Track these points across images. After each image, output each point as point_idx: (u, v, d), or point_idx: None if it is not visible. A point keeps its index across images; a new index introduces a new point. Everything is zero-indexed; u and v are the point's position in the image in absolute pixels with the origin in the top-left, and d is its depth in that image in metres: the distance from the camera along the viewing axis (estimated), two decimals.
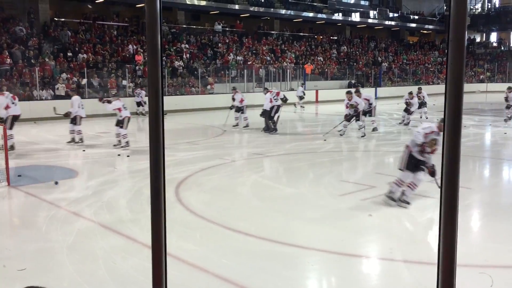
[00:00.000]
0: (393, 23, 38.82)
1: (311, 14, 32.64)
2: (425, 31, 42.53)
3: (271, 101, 13.75)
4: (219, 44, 27.42)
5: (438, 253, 1.11)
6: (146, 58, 1.34)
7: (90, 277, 4.36)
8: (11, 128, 10.65)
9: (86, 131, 14.46)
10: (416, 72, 35.76)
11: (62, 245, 5.19)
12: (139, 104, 19.56)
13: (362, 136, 13.07)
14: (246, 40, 29.35)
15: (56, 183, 7.85)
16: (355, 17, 36.03)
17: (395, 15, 39.34)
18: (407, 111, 16.01)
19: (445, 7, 41.67)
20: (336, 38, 35.49)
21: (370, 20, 37.11)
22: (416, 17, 40.65)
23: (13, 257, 4.81)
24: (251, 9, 29.39)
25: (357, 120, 13.30)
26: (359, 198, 7.09)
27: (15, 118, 11.03)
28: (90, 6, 24.45)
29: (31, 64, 19.32)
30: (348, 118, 13.42)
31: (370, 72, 32.67)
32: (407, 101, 15.97)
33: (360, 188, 7.72)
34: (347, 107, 13.35)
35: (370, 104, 14.28)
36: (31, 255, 4.90)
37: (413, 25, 40.33)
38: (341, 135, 13.36)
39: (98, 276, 4.42)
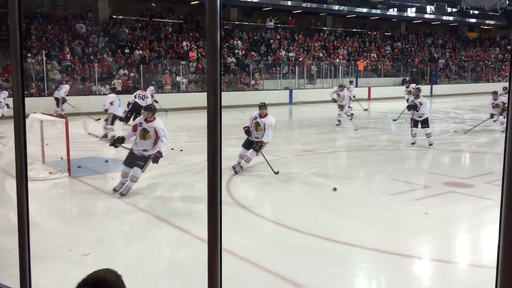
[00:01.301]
0: (451, 18, 37.43)
1: (365, 10, 32.04)
2: (485, 27, 40.73)
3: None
4: (271, 41, 27.46)
5: (498, 255, 1.09)
6: (206, 55, 1.39)
7: (144, 266, 4.52)
8: (112, 124, 11.76)
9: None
10: (475, 69, 34.36)
11: (119, 234, 5.41)
12: None
13: (430, 145, 11.03)
14: (298, 36, 29.24)
15: (107, 161, 8.66)
16: (411, 12, 35.01)
17: (454, 10, 37.90)
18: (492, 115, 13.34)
19: (507, 2, 39.74)
20: (390, 34, 34.67)
21: (426, 16, 35.96)
22: (476, 12, 38.98)
23: (77, 243, 5.07)
24: (304, 5, 29.20)
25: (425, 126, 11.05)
26: (411, 198, 6.94)
27: (115, 117, 11.91)
28: (153, 4, 25.12)
29: (90, 60, 20.12)
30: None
31: (426, 69, 31.70)
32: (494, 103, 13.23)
33: (413, 188, 7.55)
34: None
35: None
36: (91, 243, 5.14)
37: (473, 20, 38.72)
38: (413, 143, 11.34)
39: (152, 265, 4.58)
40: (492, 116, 13.16)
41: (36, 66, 18.52)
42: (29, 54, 18.59)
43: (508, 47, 38.19)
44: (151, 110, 7.13)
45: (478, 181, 7.82)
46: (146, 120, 6.95)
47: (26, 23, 20.33)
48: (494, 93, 13.24)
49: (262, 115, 8.46)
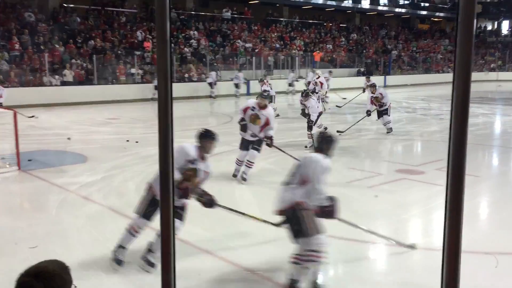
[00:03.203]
0: (403, 10, 38.42)
1: (320, 1, 32.37)
2: (436, 19, 42.05)
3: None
4: (228, 31, 27.32)
5: (444, 238, 1.13)
6: (156, 45, 1.36)
7: (99, 259, 4.43)
8: None
9: (95, 116, 14.58)
10: (426, 60, 35.44)
11: (72, 227, 5.27)
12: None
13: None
14: (255, 27, 29.21)
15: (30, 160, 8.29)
16: (365, 4, 35.68)
17: (406, 2, 38.90)
18: None
19: None
20: (345, 25, 35.22)
21: (380, 8, 36.75)
22: (427, 4, 40.17)
23: (25, 238, 4.90)
24: None
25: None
26: (366, 186, 7.11)
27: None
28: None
29: (40, 50, 19.39)
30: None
31: (380, 60, 32.43)
32: None
33: (367, 176, 7.73)
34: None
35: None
36: (42, 236, 4.99)
37: (424, 12, 39.88)
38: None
39: (106, 258, 4.49)
40: (368, 113, 11.86)
41: None
42: None
43: None
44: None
45: (428, 168, 8.10)
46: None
47: None
48: (372, 86, 12.14)
49: (261, 106, 7.20)
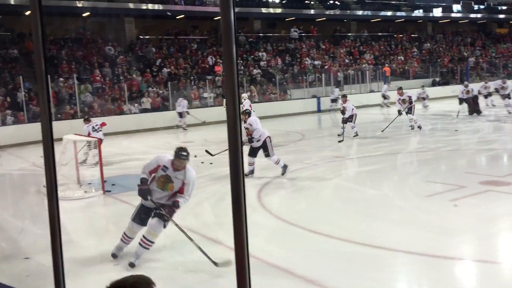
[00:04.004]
0: (479, 15, 36.67)
1: (389, 13, 31.73)
2: None
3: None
4: (296, 50, 27.50)
5: None
6: (223, 65, 1.41)
7: (181, 279, 4.55)
8: None
9: (171, 141, 15.13)
10: (507, 65, 33.44)
11: (153, 248, 5.46)
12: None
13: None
14: (323, 44, 29.17)
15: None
16: (437, 12, 34.46)
17: (481, 7, 37.12)
18: None
19: None
20: (417, 35, 34.19)
21: (453, 15, 35.32)
22: (505, 7, 38.05)
23: (110, 258, 5.14)
24: (327, 12, 29.17)
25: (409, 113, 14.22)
26: (447, 199, 6.77)
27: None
28: (202, 25, 25.56)
29: (119, 81, 20.59)
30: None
31: (456, 68, 31.06)
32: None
33: (448, 189, 7.36)
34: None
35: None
36: (126, 256, 5.21)
37: (502, 16, 37.80)
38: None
39: (188, 277, 4.61)
40: (399, 112, 14.24)
41: (68, 89, 19.06)
42: (61, 79, 19.18)
43: None
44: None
45: None
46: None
47: (57, 49, 21.01)
48: (400, 89, 14.91)
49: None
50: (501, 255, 4.67)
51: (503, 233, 5.60)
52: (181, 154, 5.02)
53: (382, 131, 13.93)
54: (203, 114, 20.06)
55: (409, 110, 14.23)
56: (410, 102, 14.20)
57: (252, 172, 8.95)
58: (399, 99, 14.45)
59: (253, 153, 8.95)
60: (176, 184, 5.04)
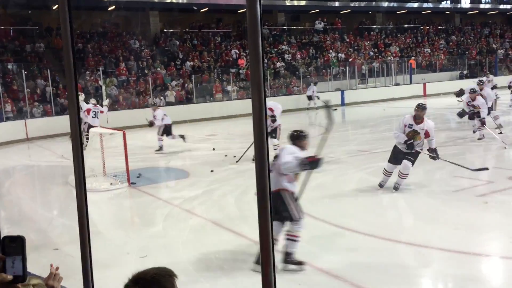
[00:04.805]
0: (508, 6, 35.67)
1: (415, 4, 31.14)
2: None
3: None
4: (320, 43, 27.27)
5: None
6: (249, 58, 1.40)
7: (204, 271, 4.58)
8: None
9: (195, 134, 15.21)
10: None
11: (177, 239, 5.52)
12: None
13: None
14: (348, 36, 28.85)
15: (139, 176, 8.76)
16: (465, 3, 33.68)
17: None
18: None
19: None
20: (444, 27, 33.50)
21: (482, 6, 34.46)
22: None
23: (135, 249, 5.22)
24: (352, 4, 28.81)
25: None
26: (474, 194, 6.63)
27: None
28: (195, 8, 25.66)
29: (144, 74, 20.79)
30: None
31: (484, 61, 30.34)
32: None
33: (476, 184, 7.21)
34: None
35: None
36: (151, 247, 5.28)
37: None
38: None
39: (211, 269, 4.64)
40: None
41: (94, 83, 19.34)
42: (87, 72, 19.46)
43: None
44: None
45: None
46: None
47: (83, 43, 21.32)
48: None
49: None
50: None
51: None
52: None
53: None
54: (227, 108, 20.11)
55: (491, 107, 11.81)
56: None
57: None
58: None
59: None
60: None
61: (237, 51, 24.07)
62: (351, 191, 7.41)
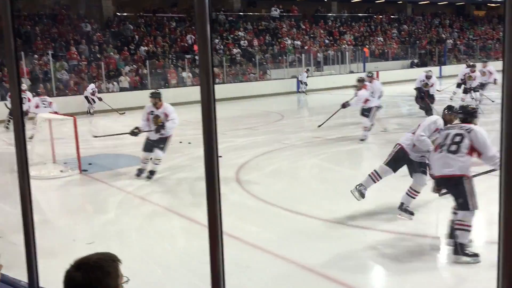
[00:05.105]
0: None
1: None
2: (493, 4, 40.09)
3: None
4: (276, 30, 27.32)
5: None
6: (197, 47, 1.40)
7: (157, 257, 4.55)
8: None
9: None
10: (484, 48, 33.87)
11: (130, 226, 5.45)
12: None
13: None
14: (304, 24, 29.05)
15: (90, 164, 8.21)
16: None
17: None
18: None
19: None
20: (396, 16, 34.31)
21: None
22: None
23: (83, 237, 5.11)
24: None
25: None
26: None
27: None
28: None
29: (97, 59, 20.20)
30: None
31: (434, 50, 31.35)
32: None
33: None
34: None
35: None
36: (101, 235, 5.19)
37: None
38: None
39: (164, 256, 4.61)
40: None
41: (43, 67, 18.62)
42: (36, 56, 18.71)
43: None
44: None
45: None
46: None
47: (31, 25, 20.45)
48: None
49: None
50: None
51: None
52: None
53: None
54: (181, 94, 19.87)
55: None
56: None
57: None
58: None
59: None
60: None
61: (192, 37, 23.76)
62: (305, 177, 7.52)
